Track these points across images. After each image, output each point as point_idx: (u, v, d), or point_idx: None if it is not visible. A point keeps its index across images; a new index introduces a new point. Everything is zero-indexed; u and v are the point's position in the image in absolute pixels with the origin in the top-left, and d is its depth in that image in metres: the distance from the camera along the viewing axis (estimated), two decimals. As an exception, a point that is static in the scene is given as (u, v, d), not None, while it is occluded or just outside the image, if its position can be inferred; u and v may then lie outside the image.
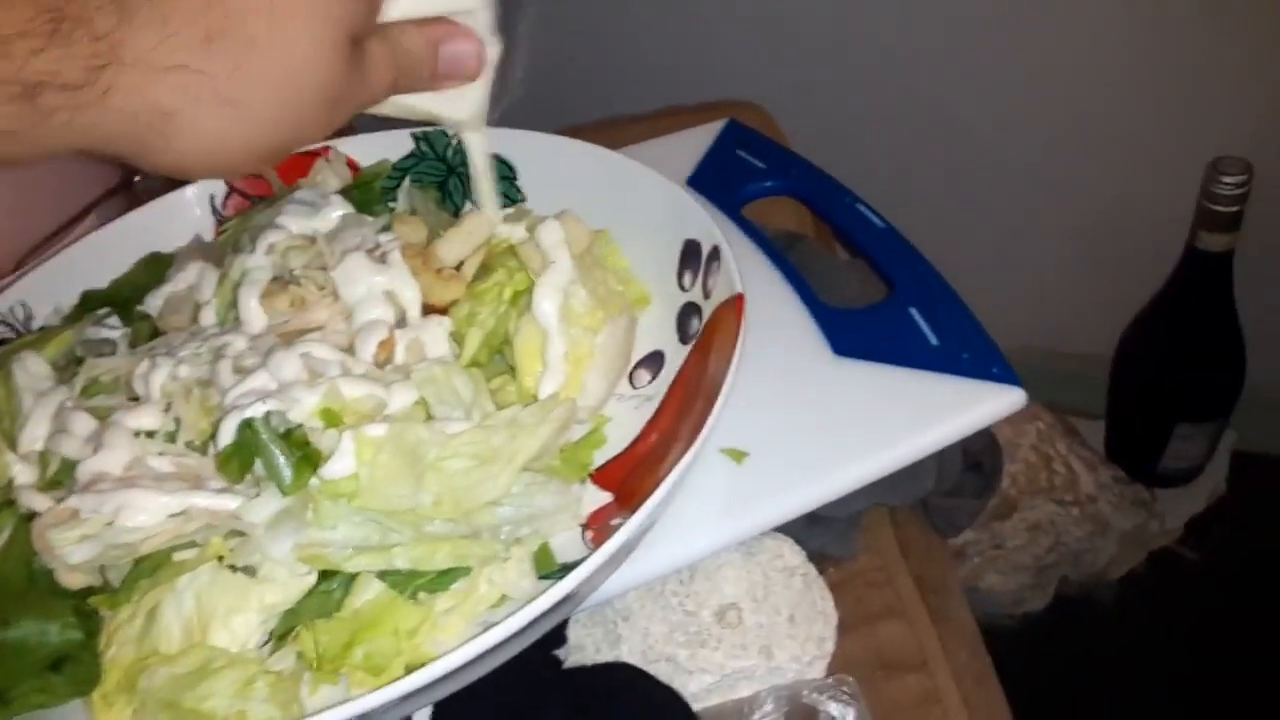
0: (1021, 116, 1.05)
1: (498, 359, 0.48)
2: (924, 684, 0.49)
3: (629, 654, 0.45)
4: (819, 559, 0.50)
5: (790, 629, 0.46)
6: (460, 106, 0.44)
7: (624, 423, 0.46)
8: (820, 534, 0.51)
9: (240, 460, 0.38)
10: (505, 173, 0.57)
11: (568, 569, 0.39)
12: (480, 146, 0.48)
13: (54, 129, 0.31)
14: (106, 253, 0.56)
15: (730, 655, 0.45)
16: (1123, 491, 1.10)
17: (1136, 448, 1.17)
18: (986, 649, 0.56)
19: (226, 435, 0.38)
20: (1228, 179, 0.94)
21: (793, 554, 0.48)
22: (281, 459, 0.38)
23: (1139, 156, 1.05)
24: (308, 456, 0.38)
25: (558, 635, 0.45)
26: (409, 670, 0.35)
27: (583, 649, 0.46)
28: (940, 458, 0.53)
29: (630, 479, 0.43)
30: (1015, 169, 1.10)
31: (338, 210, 0.51)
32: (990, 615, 1.06)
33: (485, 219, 0.50)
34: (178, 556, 0.37)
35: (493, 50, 0.42)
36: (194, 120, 0.33)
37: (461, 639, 0.38)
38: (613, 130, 0.82)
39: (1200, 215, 0.99)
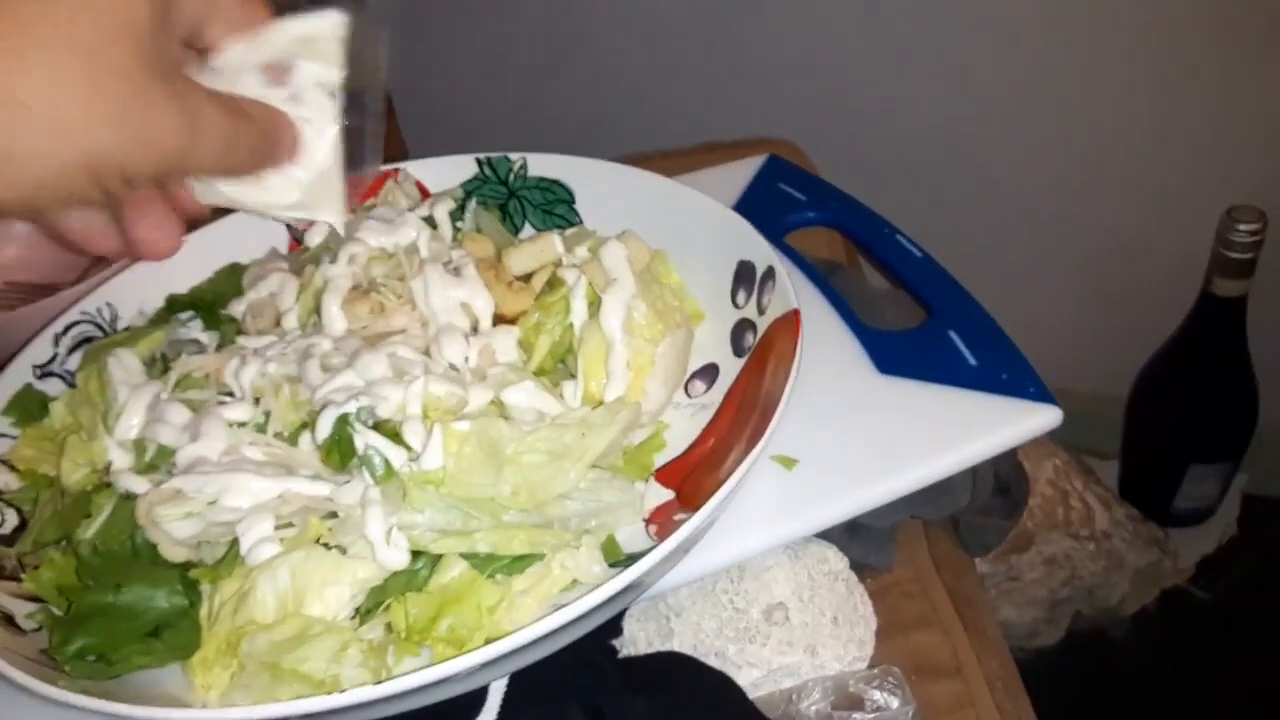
0: (1041, 160, 1.09)
1: (560, 365, 0.51)
2: (958, 688, 0.51)
3: (680, 647, 0.48)
4: (857, 569, 0.52)
5: (834, 630, 0.48)
6: (317, 198, 0.42)
7: (681, 429, 0.49)
8: (859, 545, 0.53)
9: (341, 452, 0.41)
10: (564, 196, 0.61)
11: (633, 559, 0.42)
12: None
13: None
14: (187, 261, 0.59)
15: (777, 651, 0.47)
16: (1137, 529, 1.12)
17: (1150, 487, 1.20)
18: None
19: (324, 429, 0.42)
20: (1243, 226, 0.98)
21: (837, 559, 0.50)
22: (374, 451, 0.41)
23: (1157, 203, 1.09)
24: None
25: (613, 627, 0.48)
26: (488, 644, 0.38)
27: (635, 643, 0.49)
28: (974, 476, 0.56)
29: (690, 479, 0.46)
30: (1034, 212, 1.14)
31: (413, 227, 0.54)
32: (1004, 649, 1.09)
33: (553, 238, 0.54)
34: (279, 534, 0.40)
35: (331, 130, 0.41)
36: None
37: (535, 618, 0.41)
38: (649, 164, 0.85)
39: (1215, 261, 1.02)
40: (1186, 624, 1.17)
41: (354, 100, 0.41)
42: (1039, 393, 0.49)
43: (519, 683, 0.42)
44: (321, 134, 0.41)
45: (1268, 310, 1.05)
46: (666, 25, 1.12)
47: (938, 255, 0.62)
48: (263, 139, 0.38)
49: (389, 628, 0.40)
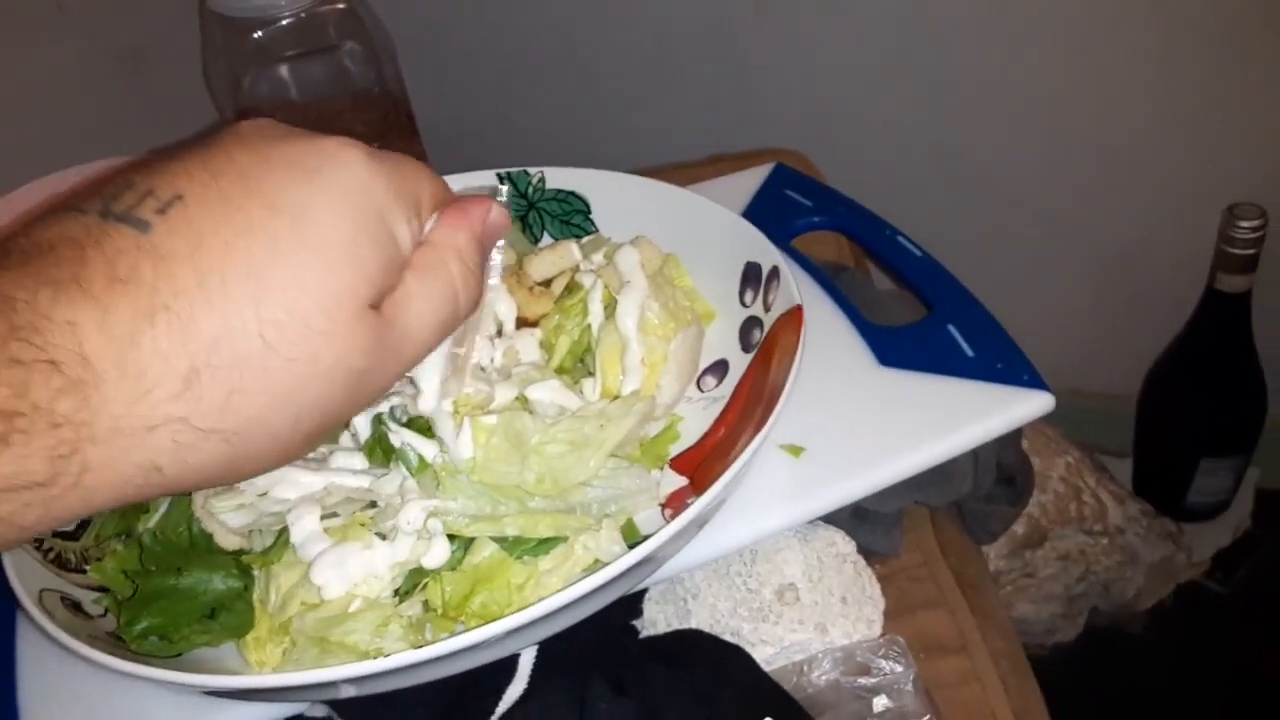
0: (1043, 163, 1.11)
1: (579, 365, 0.54)
2: (964, 665, 0.54)
3: (697, 626, 0.51)
4: (865, 554, 0.55)
5: (843, 609, 0.51)
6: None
7: (694, 421, 0.52)
8: (867, 531, 0.56)
9: (383, 449, 0.44)
10: (580, 207, 0.64)
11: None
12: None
13: (29, 523, 0.27)
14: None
15: (789, 629, 0.50)
16: (1150, 524, 1.14)
17: (1163, 483, 1.21)
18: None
19: (363, 428, 0.45)
20: (1244, 223, 1.00)
21: (845, 543, 0.53)
22: (409, 447, 0.44)
23: (1159, 202, 1.11)
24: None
25: (635, 610, 0.51)
26: (516, 616, 0.41)
27: (655, 624, 0.52)
28: (975, 463, 0.58)
29: (703, 466, 0.49)
30: (1037, 215, 1.16)
31: (438, 237, 0.58)
32: (1023, 645, 1.10)
33: (570, 246, 0.57)
34: (325, 524, 0.43)
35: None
36: (192, 463, 0.29)
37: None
38: (662, 176, 0.89)
39: (1219, 258, 1.05)
40: (1203, 617, 1.18)
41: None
42: (1032, 379, 0.51)
43: (547, 656, 0.45)
44: None
45: (1272, 304, 1.07)
46: (672, 42, 1.16)
47: (945, 261, 0.64)
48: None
49: (426, 605, 0.43)
